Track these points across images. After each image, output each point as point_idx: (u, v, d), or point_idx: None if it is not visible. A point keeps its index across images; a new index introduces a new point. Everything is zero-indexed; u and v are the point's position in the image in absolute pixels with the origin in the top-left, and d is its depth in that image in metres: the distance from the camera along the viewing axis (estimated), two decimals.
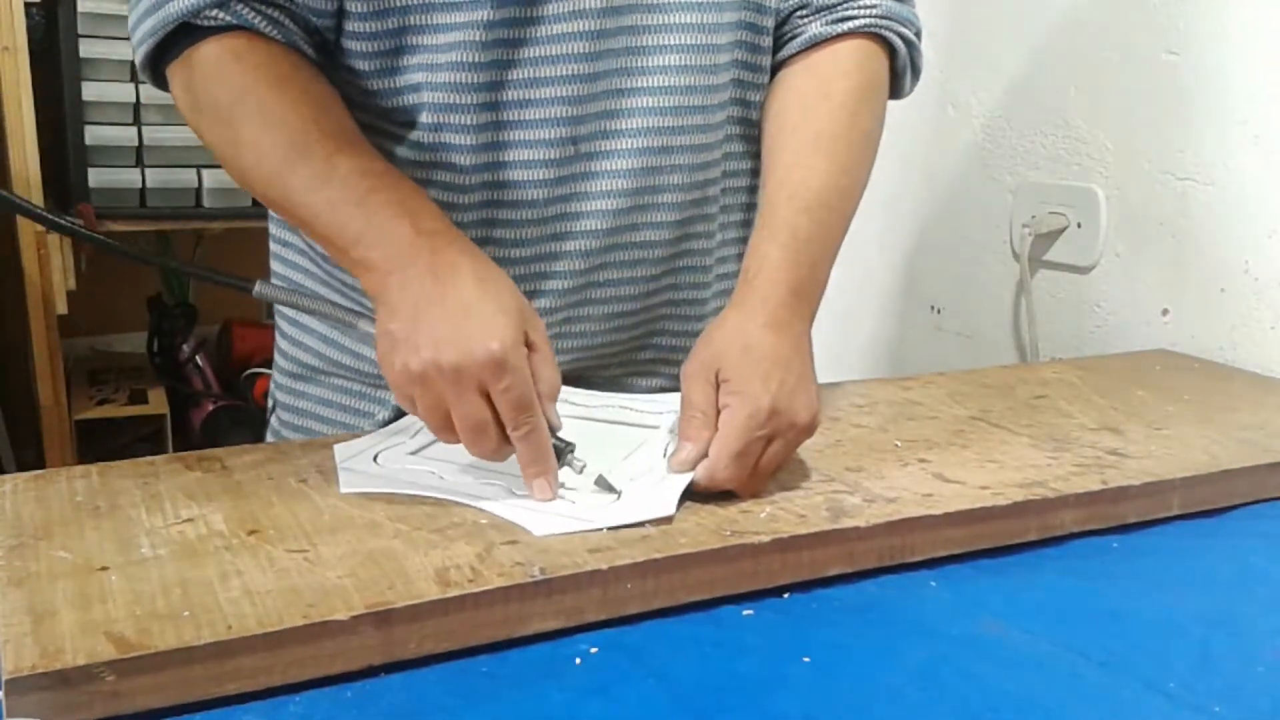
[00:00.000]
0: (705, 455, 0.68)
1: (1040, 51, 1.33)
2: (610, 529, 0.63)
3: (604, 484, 0.68)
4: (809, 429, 0.70)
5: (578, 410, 0.79)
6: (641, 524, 0.64)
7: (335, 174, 0.70)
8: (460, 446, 0.66)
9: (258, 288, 0.72)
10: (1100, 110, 1.26)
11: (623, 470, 0.70)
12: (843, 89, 0.83)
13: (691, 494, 0.68)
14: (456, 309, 0.65)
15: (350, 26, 0.76)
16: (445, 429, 0.66)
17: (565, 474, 0.68)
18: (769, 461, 0.69)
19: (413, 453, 0.73)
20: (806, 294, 0.76)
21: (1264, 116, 1.10)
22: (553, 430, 0.67)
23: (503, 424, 0.65)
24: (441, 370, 0.63)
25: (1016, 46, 1.36)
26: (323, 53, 0.78)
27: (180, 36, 0.73)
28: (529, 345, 0.65)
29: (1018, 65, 1.36)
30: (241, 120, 0.72)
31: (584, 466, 0.68)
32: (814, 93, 0.83)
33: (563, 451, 0.68)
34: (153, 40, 0.73)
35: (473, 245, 0.70)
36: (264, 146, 0.71)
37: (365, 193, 0.69)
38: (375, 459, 0.72)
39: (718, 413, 0.69)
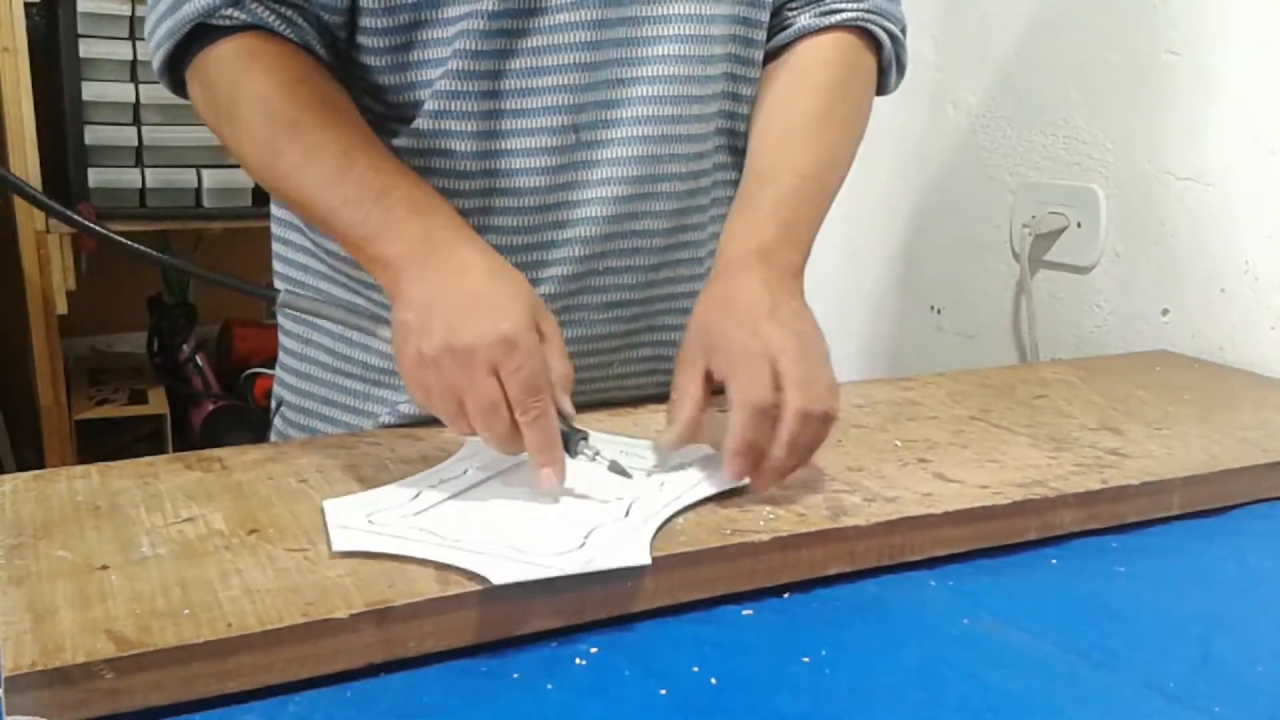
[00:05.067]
0: (689, 434, 0.71)
1: (1040, 51, 1.33)
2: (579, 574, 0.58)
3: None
4: (821, 399, 0.67)
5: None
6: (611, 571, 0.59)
7: (350, 172, 0.71)
8: (462, 505, 0.66)
9: (282, 297, 0.72)
10: (1100, 110, 1.26)
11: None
12: (818, 79, 0.84)
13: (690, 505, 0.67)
14: (469, 297, 0.66)
15: (363, 23, 0.77)
16: (459, 417, 0.66)
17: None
18: (787, 452, 0.67)
19: (415, 514, 0.66)
20: (777, 250, 0.75)
21: (1264, 116, 1.10)
22: (566, 419, 0.67)
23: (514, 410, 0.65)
24: (454, 351, 0.64)
25: (1017, 46, 1.36)
26: (334, 53, 0.79)
27: (197, 38, 0.74)
28: (541, 335, 0.66)
29: (1018, 65, 1.36)
30: (257, 119, 0.73)
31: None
32: (792, 84, 0.85)
33: (570, 439, 0.67)
34: (171, 43, 0.74)
35: (486, 244, 0.71)
36: (279, 145, 0.72)
37: (380, 191, 0.70)
38: (370, 519, 0.64)
39: (705, 393, 0.71)
